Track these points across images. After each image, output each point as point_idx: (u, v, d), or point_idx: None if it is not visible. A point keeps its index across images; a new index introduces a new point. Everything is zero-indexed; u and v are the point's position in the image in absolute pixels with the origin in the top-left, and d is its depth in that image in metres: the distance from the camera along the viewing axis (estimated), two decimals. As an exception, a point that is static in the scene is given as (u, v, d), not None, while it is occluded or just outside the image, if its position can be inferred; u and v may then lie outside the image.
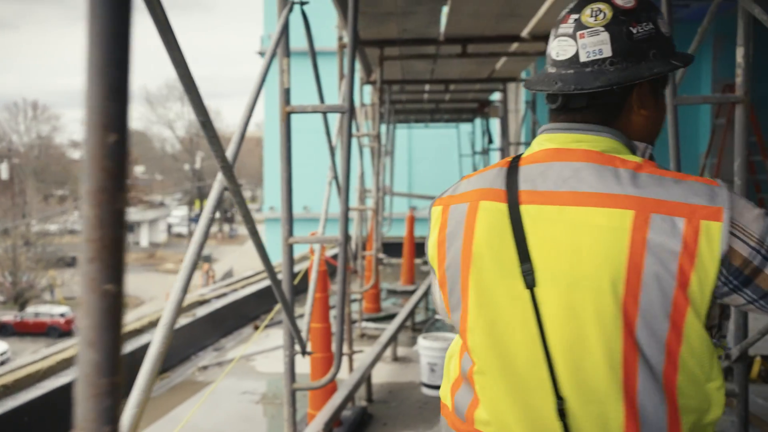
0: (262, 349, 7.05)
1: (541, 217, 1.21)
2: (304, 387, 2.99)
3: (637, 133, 1.29)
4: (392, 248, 12.90)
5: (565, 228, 1.19)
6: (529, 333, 1.21)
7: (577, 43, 1.23)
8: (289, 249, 2.92)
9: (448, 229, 1.32)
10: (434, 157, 21.21)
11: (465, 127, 15.51)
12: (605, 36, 1.22)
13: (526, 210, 1.22)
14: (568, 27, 1.25)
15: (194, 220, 52.92)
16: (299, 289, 5.71)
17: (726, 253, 1.11)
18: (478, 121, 13.11)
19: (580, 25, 1.24)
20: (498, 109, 10.08)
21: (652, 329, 1.14)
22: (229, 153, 1.94)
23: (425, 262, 13.33)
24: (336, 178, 3.80)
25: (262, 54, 22.65)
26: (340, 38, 5.12)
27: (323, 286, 4.33)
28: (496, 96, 10.51)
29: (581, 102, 1.26)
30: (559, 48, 1.26)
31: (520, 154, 1.32)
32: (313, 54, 3.31)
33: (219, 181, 1.94)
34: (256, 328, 7.64)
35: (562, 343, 1.19)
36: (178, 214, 55.17)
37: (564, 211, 1.20)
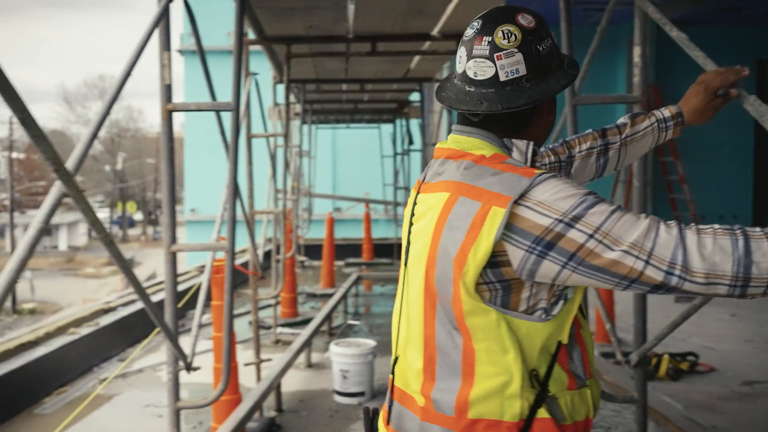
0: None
1: (418, 203, 1.48)
2: (190, 405, 2.78)
3: (539, 134, 1.48)
4: (316, 250, 12.69)
5: (422, 211, 1.46)
6: (399, 305, 1.55)
7: (496, 65, 1.38)
8: (172, 258, 2.71)
9: None
10: (359, 157, 21.09)
11: (387, 128, 15.43)
12: (519, 57, 1.38)
13: (417, 198, 1.49)
14: (483, 49, 1.39)
15: (116, 222, 51.28)
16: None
17: (499, 237, 1.29)
18: (399, 122, 13.04)
19: (495, 47, 1.39)
20: (417, 110, 10.02)
21: (444, 298, 1.37)
22: (73, 157, 1.72)
23: (347, 264, 13.23)
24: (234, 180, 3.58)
25: (181, 52, 22.04)
26: (245, 34, 4.90)
27: (221, 294, 4.11)
28: (416, 96, 10.45)
29: (476, 116, 1.44)
30: (477, 68, 1.40)
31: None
32: (201, 49, 3.10)
33: (57, 186, 1.73)
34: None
35: (404, 306, 1.51)
36: (100, 216, 53.12)
37: (421, 196, 1.47)
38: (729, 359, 6.05)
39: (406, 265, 1.50)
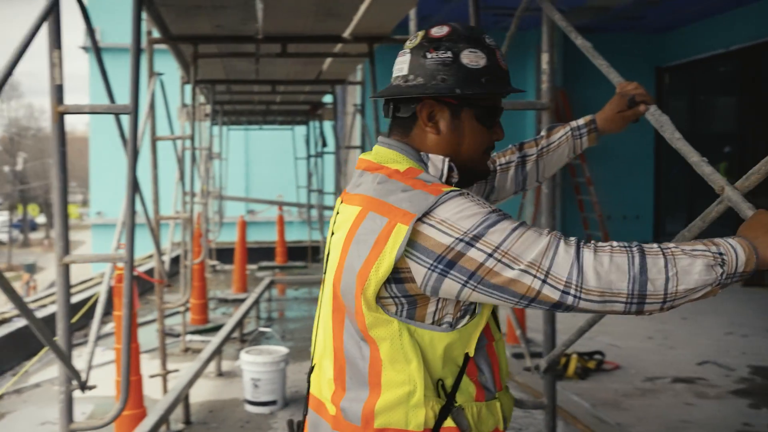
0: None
1: (340, 212, 1.47)
2: (85, 427, 2.61)
3: (434, 148, 1.45)
4: (228, 254, 12.41)
5: (340, 222, 1.46)
6: (318, 314, 1.55)
7: (410, 63, 1.44)
8: (65, 270, 2.53)
9: None
10: (272, 159, 20.80)
11: (300, 130, 15.26)
12: (408, 57, 1.43)
13: (340, 208, 1.49)
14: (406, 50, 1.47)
15: (17, 226, 48.75)
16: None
17: (403, 252, 1.29)
18: (313, 124, 12.90)
19: (403, 47, 1.47)
20: (331, 112, 9.95)
21: (350, 310, 1.38)
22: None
23: (260, 268, 13.01)
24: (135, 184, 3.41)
25: (85, 48, 21.19)
26: (149, 33, 4.71)
27: (121, 305, 3.91)
28: (329, 98, 10.37)
29: (390, 117, 1.48)
30: (397, 65, 1.47)
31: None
32: (96, 46, 2.92)
33: None
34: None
35: (321, 320, 1.51)
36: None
37: (344, 208, 1.46)
38: (633, 356, 6.26)
39: (325, 273, 1.52)
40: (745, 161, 11.04)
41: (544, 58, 2.54)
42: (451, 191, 1.31)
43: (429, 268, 1.29)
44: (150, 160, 4.94)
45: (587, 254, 1.23)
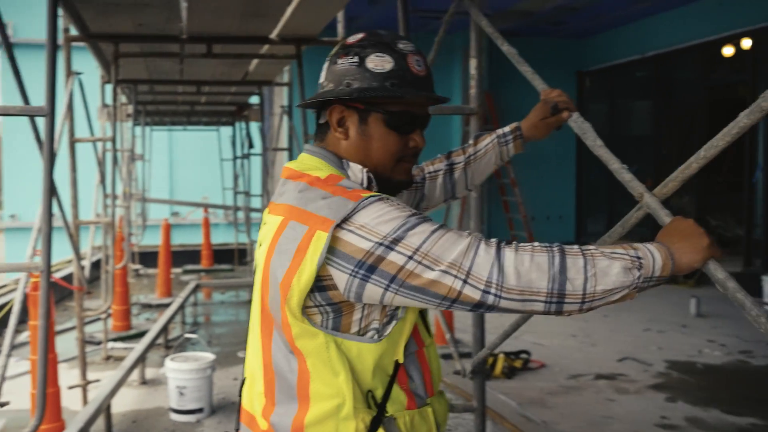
0: None
1: (266, 223, 1.46)
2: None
3: (348, 154, 1.46)
4: (152, 258, 12.08)
5: (264, 233, 1.45)
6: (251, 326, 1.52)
7: (326, 70, 1.48)
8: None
9: None
10: (197, 161, 20.38)
11: (226, 131, 14.98)
12: (326, 65, 1.47)
13: (266, 218, 1.47)
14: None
15: None
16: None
17: (324, 260, 1.29)
18: (239, 125, 12.69)
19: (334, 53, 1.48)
20: (257, 113, 9.81)
21: (277, 322, 1.37)
22: None
23: (185, 271, 12.72)
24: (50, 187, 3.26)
25: (-2, 44, 20.24)
26: (66, 30, 4.53)
27: (37, 315, 3.75)
28: (256, 99, 10.22)
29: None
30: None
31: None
32: (8, 44, 2.78)
33: None
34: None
35: (252, 333, 1.49)
36: None
37: (269, 218, 1.45)
38: (557, 354, 6.42)
39: (254, 285, 1.52)
40: (660, 163, 11.50)
41: (473, 63, 2.56)
42: (371, 196, 1.31)
43: (350, 274, 1.28)
44: (69, 163, 4.75)
45: (508, 254, 1.24)
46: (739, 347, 6.64)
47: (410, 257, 1.25)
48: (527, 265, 1.23)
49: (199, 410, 4.95)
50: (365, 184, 1.42)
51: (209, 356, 5.10)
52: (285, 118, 8.37)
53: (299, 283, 1.30)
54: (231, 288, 10.56)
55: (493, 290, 1.23)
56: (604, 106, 12.97)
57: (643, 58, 11.53)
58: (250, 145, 10.72)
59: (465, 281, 1.23)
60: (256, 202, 12.99)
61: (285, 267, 1.32)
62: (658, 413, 4.94)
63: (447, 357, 5.90)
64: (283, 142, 11.18)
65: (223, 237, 17.02)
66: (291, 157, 7.29)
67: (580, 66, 13.02)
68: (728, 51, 10.23)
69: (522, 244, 1.27)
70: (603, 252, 1.25)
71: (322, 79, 1.45)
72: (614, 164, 1.59)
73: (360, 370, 1.34)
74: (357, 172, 1.43)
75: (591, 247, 1.28)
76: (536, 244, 1.27)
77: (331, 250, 1.28)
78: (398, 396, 1.38)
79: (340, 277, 1.29)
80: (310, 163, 1.44)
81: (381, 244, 1.25)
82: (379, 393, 1.36)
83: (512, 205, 12.57)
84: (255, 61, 6.21)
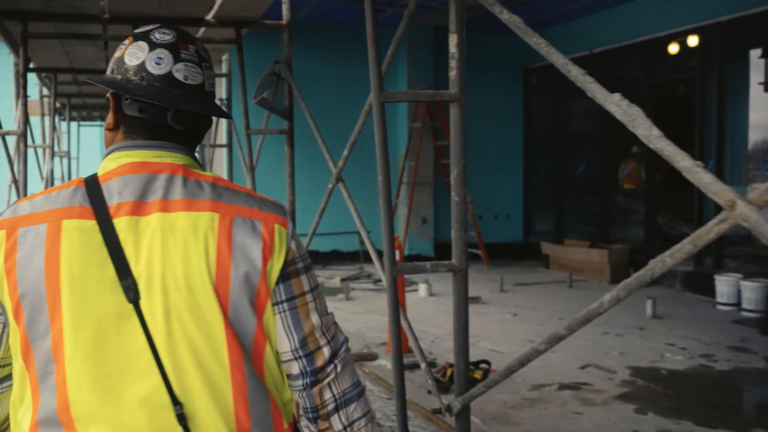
0: None
1: (134, 227, 1.25)
2: None
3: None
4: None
5: (158, 235, 1.25)
6: (139, 347, 1.22)
7: (204, 74, 1.38)
8: None
9: (19, 254, 1.23)
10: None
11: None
12: (213, 73, 1.44)
13: (119, 223, 1.25)
14: (191, 56, 1.36)
15: None
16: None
17: (287, 252, 1.32)
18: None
19: (201, 58, 1.38)
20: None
21: (243, 322, 1.27)
22: None
23: None
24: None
25: None
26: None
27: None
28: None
29: (186, 124, 1.36)
30: (188, 72, 1.34)
31: (93, 174, 1.33)
32: None
33: None
34: None
35: (168, 349, 1.22)
36: None
37: (154, 218, 1.25)
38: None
39: (135, 298, 1.36)
40: (607, 160, 11.36)
41: (453, 39, 2.13)
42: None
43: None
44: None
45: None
46: (699, 351, 6.44)
47: (312, 290, 1.37)
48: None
49: None
50: None
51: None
52: (223, 112, 7.74)
53: (271, 279, 1.30)
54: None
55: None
56: (551, 102, 12.78)
57: (590, 54, 11.36)
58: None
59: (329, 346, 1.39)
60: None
61: (257, 266, 1.28)
62: (629, 427, 4.64)
63: (410, 367, 5.48)
64: (222, 137, 10.56)
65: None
66: (231, 155, 6.75)
67: (526, 62, 12.80)
68: (674, 48, 10.13)
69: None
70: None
71: (214, 87, 1.45)
72: (684, 161, 1.17)
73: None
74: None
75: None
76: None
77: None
78: None
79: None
80: (187, 161, 1.37)
81: (303, 260, 1.38)
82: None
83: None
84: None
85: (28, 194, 5.91)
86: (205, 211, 1.26)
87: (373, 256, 2.90)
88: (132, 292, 1.21)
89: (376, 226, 14.20)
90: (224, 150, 9.69)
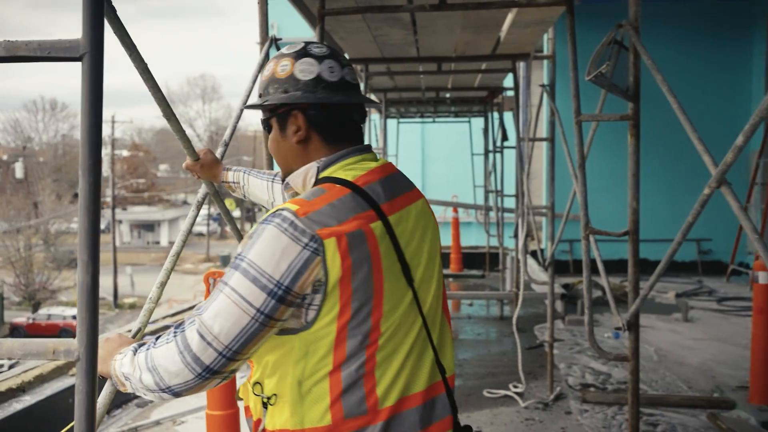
0: (195, 408, 5.44)
1: (399, 222, 1.51)
2: None
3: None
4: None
5: (412, 223, 1.55)
6: (418, 324, 1.53)
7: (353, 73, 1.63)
8: None
9: (352, 256, 1.40)
10: (449, 156, 19.45)
11: (477, 122, 13.58)
12: None
13: (392, 220, 1.49)
14: (345, 60, 1.61)
15: (215, 219, 51.54)
16: None
17: None
18: (492, 114, 11.22)
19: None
20: (512, 101, 8.33)
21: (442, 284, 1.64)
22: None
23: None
24: None
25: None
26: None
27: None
28: (509, 83, 8.68)
29: (364, 120, 1.64)
30: (351, 74, 1.60)
31: (344, 180, 1.50)
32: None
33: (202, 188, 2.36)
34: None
35: (429, 315, 1.57)
36: (200, 212, 53.90)
37: (408, 210, 1.55)
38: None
39: (420, 283, 1.68)
40: None
41: None
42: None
43: None
44: None
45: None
46: None
47: None
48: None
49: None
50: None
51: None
52: (545, 99, 6.69)
53: None
54: (480, 298, 9.30)
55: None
56: None
57: None
58: (504, 137, 9.25)
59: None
60: (509, 202, 11.52)
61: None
62: None
63: None
64: (542, 131, 9.57)
65: (475, 239, 15.94)
66: (553, 149, 5.76)
67: None
68: None
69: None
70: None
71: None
72: None
73: None
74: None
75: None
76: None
77: None
78: None
79: None
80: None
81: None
82: None
83: None
84: (507, 23, 4.76)
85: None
86: (421, 198, 1.64)
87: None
88: (408, 277, 1.51)
89: (714, 232, 11.86)
90: (544, 144, 8.70)
